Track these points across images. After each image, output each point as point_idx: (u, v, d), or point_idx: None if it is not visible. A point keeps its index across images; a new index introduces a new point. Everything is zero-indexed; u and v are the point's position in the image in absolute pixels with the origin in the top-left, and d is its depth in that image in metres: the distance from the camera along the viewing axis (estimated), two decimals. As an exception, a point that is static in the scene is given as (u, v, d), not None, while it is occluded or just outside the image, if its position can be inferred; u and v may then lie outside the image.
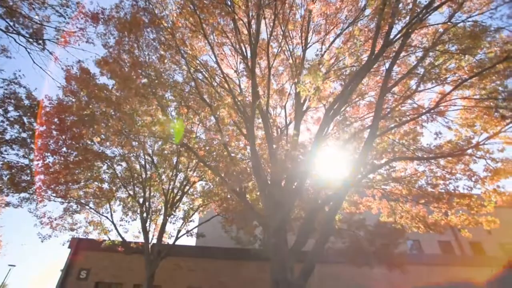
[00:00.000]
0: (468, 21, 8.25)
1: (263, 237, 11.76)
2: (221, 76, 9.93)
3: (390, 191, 10.90)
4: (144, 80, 9.61)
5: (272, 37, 9.50)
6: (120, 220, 13.30)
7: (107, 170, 12.85)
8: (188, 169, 13.20)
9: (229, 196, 11.36)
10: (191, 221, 13.62)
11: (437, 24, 8.87)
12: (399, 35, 8.04)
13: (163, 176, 13.54)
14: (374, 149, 9.91)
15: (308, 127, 11.70)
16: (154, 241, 12.93)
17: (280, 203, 7.92)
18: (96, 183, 12.34)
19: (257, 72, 10.50)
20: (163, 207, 13.28)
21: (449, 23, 8.46)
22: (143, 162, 13.26)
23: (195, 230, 14.11)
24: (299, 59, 9.85)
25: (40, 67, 7.98)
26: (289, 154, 8.15)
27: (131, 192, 13.01)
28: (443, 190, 10.14)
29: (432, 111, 9.54)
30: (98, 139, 10.54)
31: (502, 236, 21.10)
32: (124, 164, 13.07)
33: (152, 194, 13.69)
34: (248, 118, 8.61)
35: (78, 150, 10.60)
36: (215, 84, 10.27)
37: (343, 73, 9.77)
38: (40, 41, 7.60)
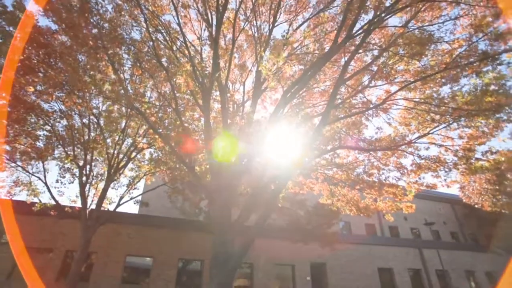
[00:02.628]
0: (420, 29, 9.03)
1: (208, 210, 11.93)
2: (183, 41, 9.39)
3: (332, 176, 11.84)
4: (95, 31, 8.63)
5: (240, 9, 9.20)
6: (56, 182, 12.25)
7: (43, 126, 11.52)
8: (137, 135, 12.53)
9: (177, 166, 11.15)
10: (135, 188, 13.15)
11: (395, 26, 9.50)
12: (361, 31, 8.42)
13: (109, 140, 12.67)
14: (322, 135, 10.54)
15: (265, 105, 11.85)
16: (93, 206, 12.26)
17: (228, 178, 8.07)
18: (28, 139, 11.01)
19: (221, 44, 10.16)
20: (106, 172, 12.54)
21: (405, 28, 9.13)
22: (86, 122, 12.18)
23: (139, 198, 13.71)
24: (265, 37, 9.76)
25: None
26: (243, 130, 8.24)
27: (70, 153, 11.96)
28: (376, 179, 11.35)
29: (378, 107, 10.41)
30: (32, 89, 9.31)
31: (413, 222, 24.85)
32: (64, 121, 11.84)
33: (94, 157, 12.77)
34: (206, 89, 8.39)
35: (5, 99, 9.24)
36: (175, 48, 9.70)
37: (305, 58, 9.99)
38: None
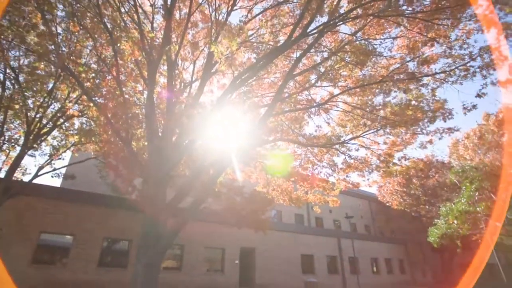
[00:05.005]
0: (366, 41, 9.88)
1: (141, 188, 11.37)
2: (133, 4, 8.56)
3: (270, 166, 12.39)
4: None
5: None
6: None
7: None
8: (68, 100, 11.11)
9: (112, 140, 10.29)
10: (59, 159, 11.74)
11: (345, 33, 10.20)
12: (315, 31, 8.80)
13: (30, 101, 10.96)
14: (266, 126, 10.89)
15: (212, 89, 11.64)
16: (2, 175, 10.62)
17: (166, 157, 7.80)
18: None
19: (176, 17, 9.57)
20: (23, 138, 10.89)
21: (354, 37, 9.87)
22: (1, 77, 10.30)
23: (64, 170, 12.30)
24: (222, 19, 9.50)
25: None
26: (188, 110, 8.00)
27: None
28: (310, 173, 12.26)
29: (320, 106, 11.14)
30: None
31: (336, 215, 27.64)
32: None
33: (9, 119, 10.94)
34: (153, 61, 7.86)
35: None
36: (123, 11, 8.79)
37: (259, 47, 10.06)
38: None
